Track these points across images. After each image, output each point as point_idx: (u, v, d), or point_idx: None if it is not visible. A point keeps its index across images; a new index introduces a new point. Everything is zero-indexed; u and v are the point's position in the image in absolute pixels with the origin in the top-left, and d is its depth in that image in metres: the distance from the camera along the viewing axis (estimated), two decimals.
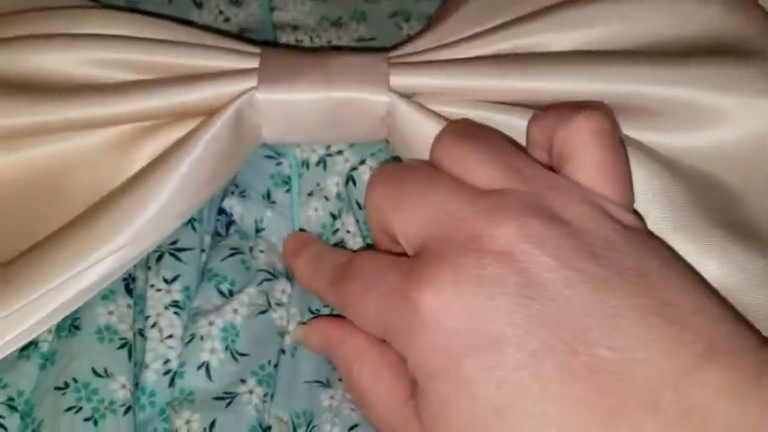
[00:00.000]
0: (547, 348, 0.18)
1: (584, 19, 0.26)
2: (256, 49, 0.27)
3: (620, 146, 0.23)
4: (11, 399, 0.24)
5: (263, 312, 0.26)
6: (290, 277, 0.27)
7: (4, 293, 0.23)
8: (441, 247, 0.20)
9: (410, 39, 0.29)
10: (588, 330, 0.18)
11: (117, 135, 0.26)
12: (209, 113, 0.25)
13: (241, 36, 0.29)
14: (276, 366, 0.25)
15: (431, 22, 0.31)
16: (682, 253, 0.23)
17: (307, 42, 0.32)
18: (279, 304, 0.26)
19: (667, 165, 0.25)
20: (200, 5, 0.33)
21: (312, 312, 0.27)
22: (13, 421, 0.23)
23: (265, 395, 0.25)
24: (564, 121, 0.22)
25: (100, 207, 0.24)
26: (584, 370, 0.18)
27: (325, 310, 0.27)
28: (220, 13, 0.33)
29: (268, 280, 0.26)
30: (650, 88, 0.25)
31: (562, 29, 0.26)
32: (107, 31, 0.27)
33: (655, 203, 0.24)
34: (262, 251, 0.27)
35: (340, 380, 0.25)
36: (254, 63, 0.26)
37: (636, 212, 0.23)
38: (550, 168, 0.23)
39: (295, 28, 0.32)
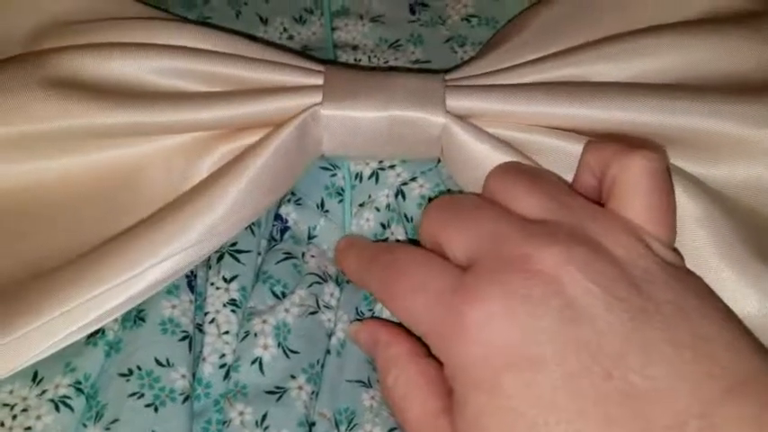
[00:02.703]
0: (584, 370, 0.19)
1: (636, 50, 0.28)
2: (320, 67, 0.28)
3: (670, 189, 0.24)
4: (78, 382, 0.25)
5: (312, 313, 0.27)
6: (339, 281, 0.29)
7: (79, 284, 0.24)
8: (490, 263, 0.21)
9: (466, 62, 0.30)
10: (624, 357, 0.19)
11: (190, 139, 0.28)
12: (275, 125, 0.27)
13: (305, 53, 0.30)
14: (323, 366, 0.27)
15: (486, 48, 0.32)
16: (722, 280, 0.24)
17: (365, 62, 0.34)
18: (327, 307, 0.28)
19: (711, 194, 0.26)
20: (265, 22, 0.35)
21: (359, 315, 0.28)
22: (79, 402, 0.25)
23: (312, 392, 0.26)
24: (621, 156, 0.23)
25: (169, 208, 0.26)
26: (618, 394, 0.19)
27: (372, 314, 0.28)
28: (285, 30, 0.35)
29: (318, 283, 0.28)
30: (695, 121, 0.26)
31: (614, 59, 0.28)
32: (180, 42, 0.28)
33: (700, 231, 0.25)
34: (313, 256, 0.29)
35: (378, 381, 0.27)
36: (318, 80, 0.28)
37: (676, 251, 0.24)
38: (597, 200, 0.24)
39: (354, 48, 0.34)
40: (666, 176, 0.23)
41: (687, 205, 0.25)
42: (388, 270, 0.24)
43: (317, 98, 0.27)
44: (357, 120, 0.27)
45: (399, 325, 0.25)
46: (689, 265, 0.23)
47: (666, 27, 0.28)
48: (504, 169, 0.25)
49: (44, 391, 0.25)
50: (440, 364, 0.22)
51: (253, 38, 0.31)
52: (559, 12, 0.30)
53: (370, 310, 0.28)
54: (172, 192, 0.27)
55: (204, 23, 0.32)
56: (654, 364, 0.19)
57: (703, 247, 0.25)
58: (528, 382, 0.20)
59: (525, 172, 0.24)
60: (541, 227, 0.22)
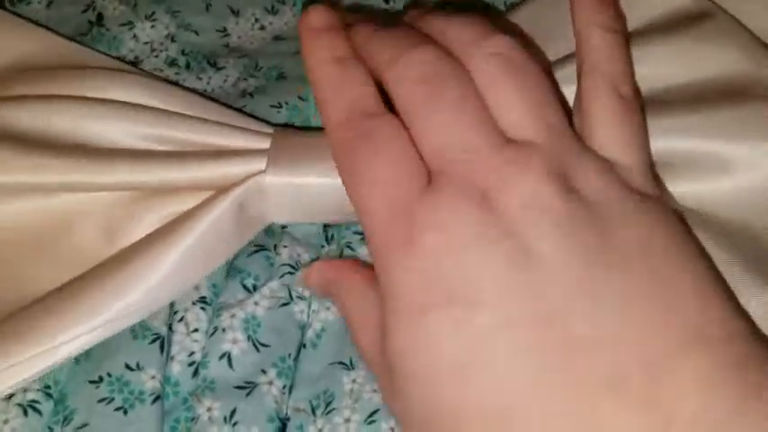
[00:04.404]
0: (522, 317, 0.18)
1: None
2: (269, 129, 0.27)
3: (638, 109, 0.23)
4: (47, 386, 0.25)
5: (285, 305, 0.26)
6: None
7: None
8: (454, 184, 0.20)
9: None
10: (570, 305, 0.18)
11: (126, 195, 0.27)
12: (219, 188, 0.26)
13: (254, 116, 0.29)
14: (296, 360, 0.26)
15: None
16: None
17: None
18: (301, 297, 0.27)
19: (698, 220, 0.24)
20: (236, 13, 0.34)
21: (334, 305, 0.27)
22: (47, 406, 0.24)
23: (284, 387, 0.25)
24: (592, 89, 0.23)
25: (93, 275, 0.25)
26: (556, 343, 0.18)
27: None
28: (256, 20, 0.34)
29: (290, 273, 0.27)
30: (669, 141, 0.25)
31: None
32: (127, 97, 0.27)
33: None
34: (285, 246, 0.28)
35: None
36: (266, 143, 0.27)
37: (656, 176, 0.23)
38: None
39: None
40: (634, 100, 0.22)
41: None
42: (360, 140, 0.22)
43: (262, 165, 0.26)
44: (303, 187, 0.26)
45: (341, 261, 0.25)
46: None
47: None
48: (504, 64, 0.22)
49: (12, 396, 0.24)
50: None
51: (206, 96, 0.30)
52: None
53: None
54: (103, 247, 0.26)
55: (153, 75, 0.31)
56: (602, 315, 0.18)
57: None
58: (458, 322, 0.18)
59: (521, 75, 0.22)
60: (517, 152, 0.20)
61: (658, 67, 0.26)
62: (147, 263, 0.24)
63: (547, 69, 0.23)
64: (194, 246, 0.25)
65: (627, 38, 0.24)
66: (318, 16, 0.25)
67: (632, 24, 0.28)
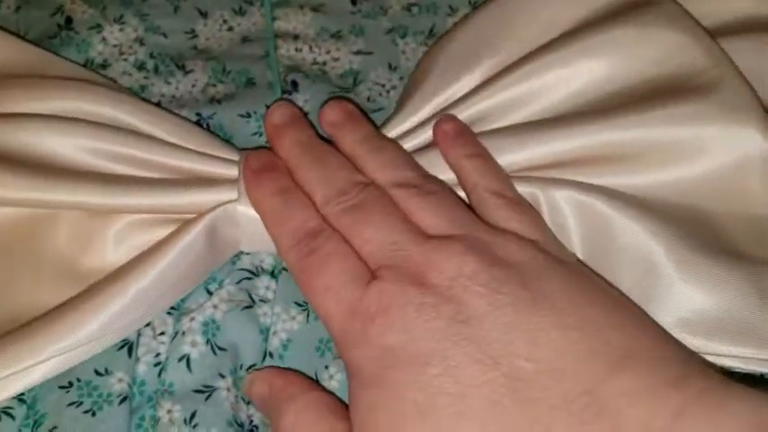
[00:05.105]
0: (471, 360, 0.21)
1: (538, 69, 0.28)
2: (236, 156, 0.28)
3: (521, 201, 0.26)
4: (21, 393, 0.25)
5: (247, 308, 0.27)
6: (274, 274, 0.28)
7: None
8: (392, 278, 0.23)
9: (398, 110, 0.30)
10: (510, 345, 0.21)
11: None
12: (192, 213, 0.27)
13: (224, 139, 0.30)
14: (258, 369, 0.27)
15: (402, 101, 0.31)
16: (671, 279, 0.25)
17: (306, 52, 0.34)
18: (263, 300, 0.28)
19: (656, 209, 0.26)
20: (204, 15, 0.34)
21: (300, 305, 0.28)
22: (20, 411, 0.25)
23: (238, 397, 0.26)
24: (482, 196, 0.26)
25: (66, 305, 0.25)
26: (504, 379, 0.20)
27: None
28: (224, 22, 0.34)
29: (248, 279, 0.28)
30: (627, 134, 0.26)
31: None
32: (96, 111, 0.28)
33: (650, 241, 0.25)
34: (248, 253, 0.29)
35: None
36: (233, 170, 0.28)
37: (565, 248, 0.26)
38: None
39: (295, 38, 0.34)
40: (517, 196, 0.26)
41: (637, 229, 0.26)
42: (310, 258, 0.25)
43: (233, 194, 0.27)
44: None
45: (291, 371, 0.26)
46: (640, 272, 0.25)
47: (576, 34, 0.28)
48: (416, 189, 0.26)
49: None
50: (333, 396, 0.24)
51: (173, 111, 0.30)
52: (463, 41, 0.30)
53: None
54: (71, 257, 0.27)
55: (126, 89, 0.31)
56: (540, 349, 0.21)
57: (653, 254, 0.25)
58: (416, 375, 0.21)
59: (429, 193, 0.26)
60: (439, 242, 0.24)
61: (607, 56, 0.28)
62: (116, 290, 0.25)
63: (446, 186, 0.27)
64: (166, 272, 0.26)
65: (488, 154, 0.27)
66: (281, 113, 0.29)
67: (576, 16, 0.29)
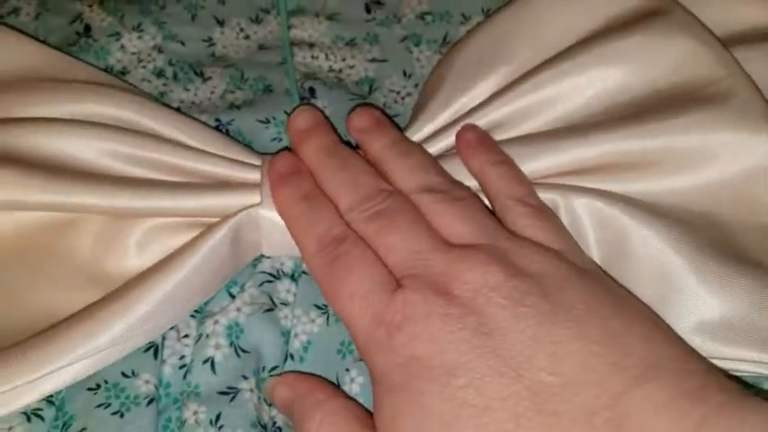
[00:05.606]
0: (494, 373, 0.21)
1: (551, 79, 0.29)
2: (258, 161, 0.28)
3: (545, 209, 0.26)
4: (50, 395, 0.26)
5: (268, 311, 0.28)
6: (294, 277, 0.29)
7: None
8: (417, 286, 0.23)
9: (415, 118, 0.30)
10: (533, 358, 0.21)
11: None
12: (215, 217, 0.27)
13: (244, 144, 0.31)
14: (281, 371, 0.27)
15: (418, 109, 0.32)
16: (689, 286, 0.25)
17: (322, 59, 0.34)
18: (284, 303, 0.28)
19: (673, 216, 0.26)
20: (221, 23, 0.35)
21: (319, 308, 0.28)
22: (49, 413, 0.26)
23: (261, 398, 0.26)
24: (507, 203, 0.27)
25: (90, 307, 0.25)
26: (527, 392, 0.21)
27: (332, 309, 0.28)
28: (241, 30, 0.35)
29: (269, 282, 0.28)
30: (643, 142, 0.27)
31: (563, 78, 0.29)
32: (121, 114, 0.28)
33: (666, 249, 0.26)
34: (268, 257, 0.29)
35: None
36: (256, 175, 0.28)
37: (588, 257, 0.26)
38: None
39: (311, 46, 0.34)
40: (541, 204, 0.26)
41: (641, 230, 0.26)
42: (335, 264, 0.25)
43: (256, 198, 0.27)
44: None
45: (314, 377, 0.26)
46: (657, 279, 0.25)
47: (589, 46, 0.29)
48: (441, 195, 0.26)
49: None
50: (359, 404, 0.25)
51: (194, 116, 0.31)
52: (478, 48, 0.31)
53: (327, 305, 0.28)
54: (95, 261, 0.27)
55: (147, 94, 0.32)
56: (562, 362, 0.21)
57: (670, 263, 0.26)
58: (441, 386, 0.21)
59: (455, 200, 0.26)
60: (462, 251, 0.24)
61: (622, 65, 0.28)
62: (141, 293, 0.25)
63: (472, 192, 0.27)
64: (191, 275, 0.26)
65: (512, 161, 0.28)
66: (305, 118, 0.29)
67: (590, 25, 0.30)
